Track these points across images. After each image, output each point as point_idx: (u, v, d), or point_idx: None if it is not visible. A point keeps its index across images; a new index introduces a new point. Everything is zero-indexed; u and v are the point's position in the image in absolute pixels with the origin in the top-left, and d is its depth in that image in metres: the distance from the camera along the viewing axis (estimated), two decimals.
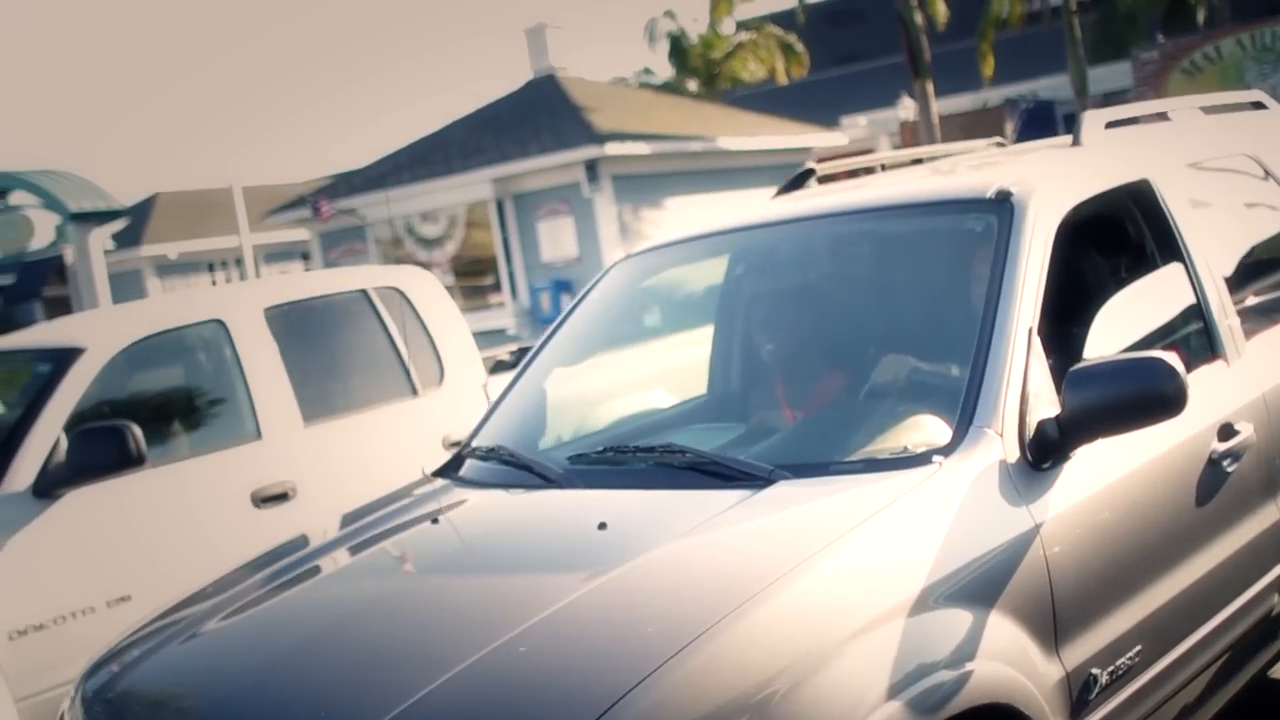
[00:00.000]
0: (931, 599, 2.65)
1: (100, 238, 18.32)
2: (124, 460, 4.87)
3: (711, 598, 2.49)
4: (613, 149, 19.62)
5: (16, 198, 17.99)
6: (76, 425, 4.98)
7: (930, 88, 21.89)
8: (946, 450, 2.95)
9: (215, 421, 5.66)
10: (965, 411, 3.02)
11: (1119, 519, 3.12)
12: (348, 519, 3.57)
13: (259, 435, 5.51)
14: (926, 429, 3.08)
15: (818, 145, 24.12)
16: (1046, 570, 2.88)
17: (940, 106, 22.96)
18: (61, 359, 5.23)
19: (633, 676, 2.27)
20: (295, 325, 5.86)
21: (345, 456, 5.67)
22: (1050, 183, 3.50)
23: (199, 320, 5.66)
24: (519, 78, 27.09)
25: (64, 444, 4.90)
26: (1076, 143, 3.96)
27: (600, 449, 3.48)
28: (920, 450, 2.98)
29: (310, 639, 2.81)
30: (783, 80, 34.21)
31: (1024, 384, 3.03)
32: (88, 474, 4.88)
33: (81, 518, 4.91)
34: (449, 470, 3.72)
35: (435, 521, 3.39)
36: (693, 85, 36.02)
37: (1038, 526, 2.89)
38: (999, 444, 2.95)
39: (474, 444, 3.83)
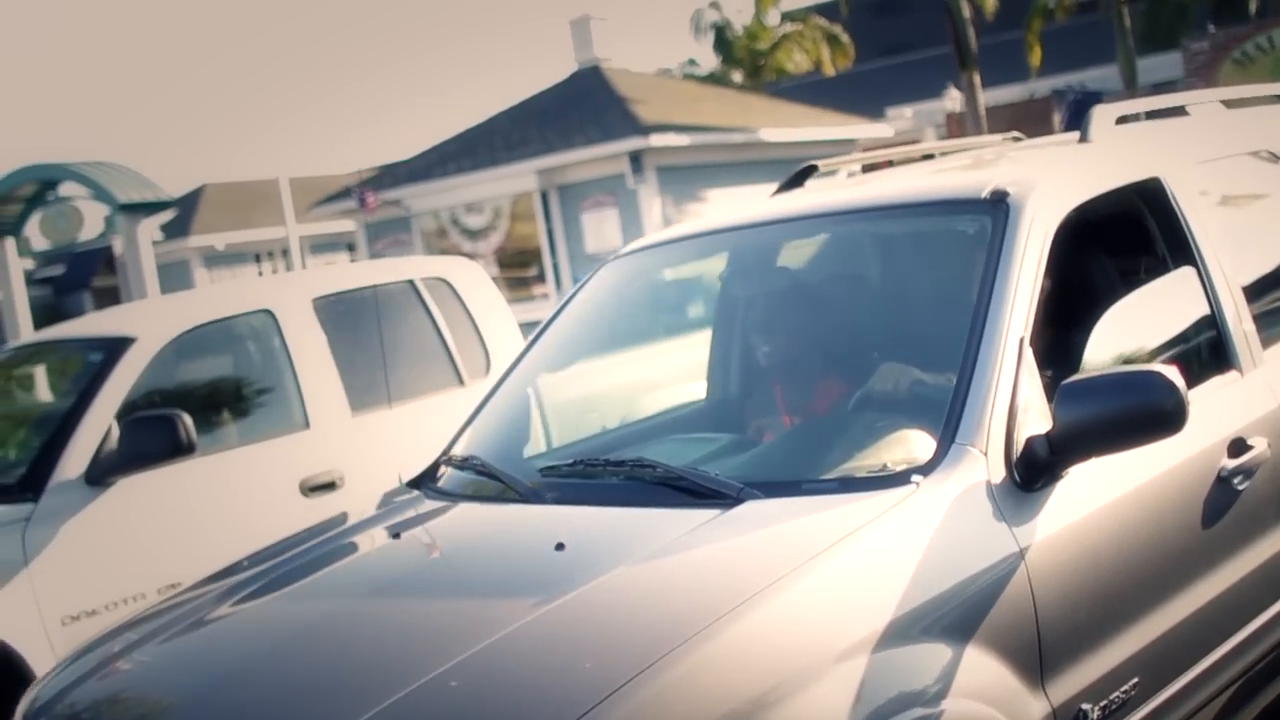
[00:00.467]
0: (903, 631, 2.50)
1: (148, 228, 18.48)
2: (175, 449, 4.91)
3: (660, 630, 2.35)
4: (657, 140, 19.60)
5: (66, 189, 18.17)
6: (128, 414, 5.03)
7: (977, 79, 21.75)
8: (926, 469, 2.78)
9: (264, 411, 5.71)
10: (948, 428, 2.85)
11: (1115, 541, 2.95)
12: (315, 531, 3.48)
13: (307, 424, 5.55)
14: (910, 445, 2.92)
15: (862, 137, 24.01)
16: (1032, 598, 2.72)
17: (987, 98, 22.82)
18: (113, 348, 5.28)
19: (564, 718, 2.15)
20: (343, 315, 5.89)
21: (393, 446, 5.70)
22: (1050, 182, 3.32)
23: (248, 310, 5.70)
24: (564, 69, 27.10)
25: (116, 432, 4.95)
26: (1085, 139, 3.77)
27: (571, 461, 3.35)
28: (900, 469, 2.82)
29: (236, 670, 2.71)
30: (828, 71, 34.06)
31: (1013, 398, 2.86)
32: (139, 462, 4.92)
33: (133, 505, 4.97)
34: (425, 479, 3.61)
35: (396, 536, 3.28)
36: (737, 77, 35.93)
37: (1023, 551, 2.72)
38: (982, 463, 2.78)
39: (452, 452, 3.70)
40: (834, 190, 4.16)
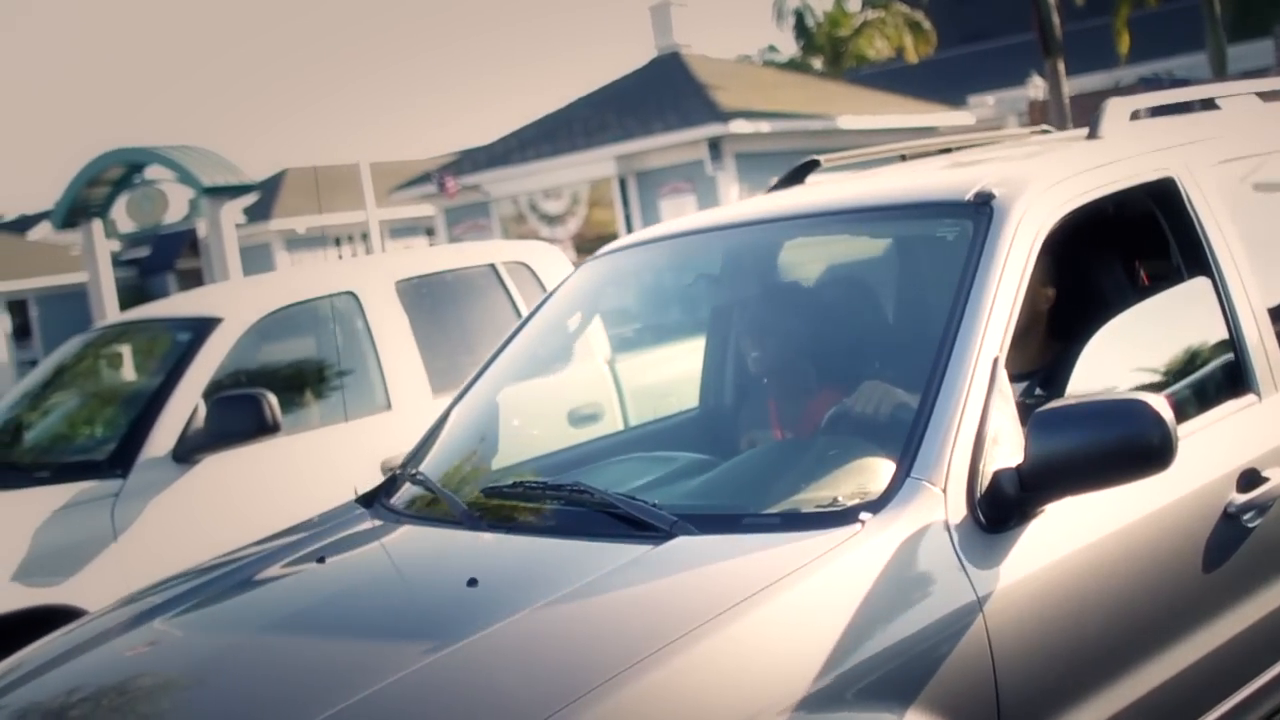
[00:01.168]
0: (835, 694, 2.24)
1: (232, 212, 18.72)
2: (260, 428, 4.97)
3: (552, 688, 2.16)
4: (736, 127, 19.54)
5: (152, 172, 18.45)
6: (214, 393, 5.10)
7: (1061, 66, 21.41)
8: (876, 506, 2.50)
9: (346, 391, 5.76)
10: (904, 459, 2.56)
11: (1096, 589, 2.65)
12: (242, 551, 3.39)
13: (389, 406, 5.59)
14: (868, 477, 2.64)
15: (943, 124, 23.77)
16: (990, 655, 2.43)
17: (1071, 86, 22.47)
18: (200, 328, 5.36)
19: None
20: (425, 298, 5.93)
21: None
22: (1044, 183, 3.00)
23: (332, 292, 5.76)
24: (643, 55, 27.08)
25: (202, 411, 5.03)
26: (1094, 135, 3.44)
27: (511, 483, 3.09)
28: (850, 504, 2.54)
29: (90, 712, 2.57)
30: (910, 58, 33.75)
31: (980, 427, 2.57)
32: (225, 440, 5.00)
33: (218, 483, 5.03)
34: (378, 494, 3.42)
35: (320, 561, 3.07)
36: (817, 64, 35.71)
37: (981, 601, 2.43)
38: (940, 500, 2.49)
39: (408, 466, 3.47)
40: (811, 191, 3.84)
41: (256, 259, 29.31)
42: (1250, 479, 2.98)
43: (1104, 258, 3.50)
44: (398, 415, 5.59)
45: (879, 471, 2.62)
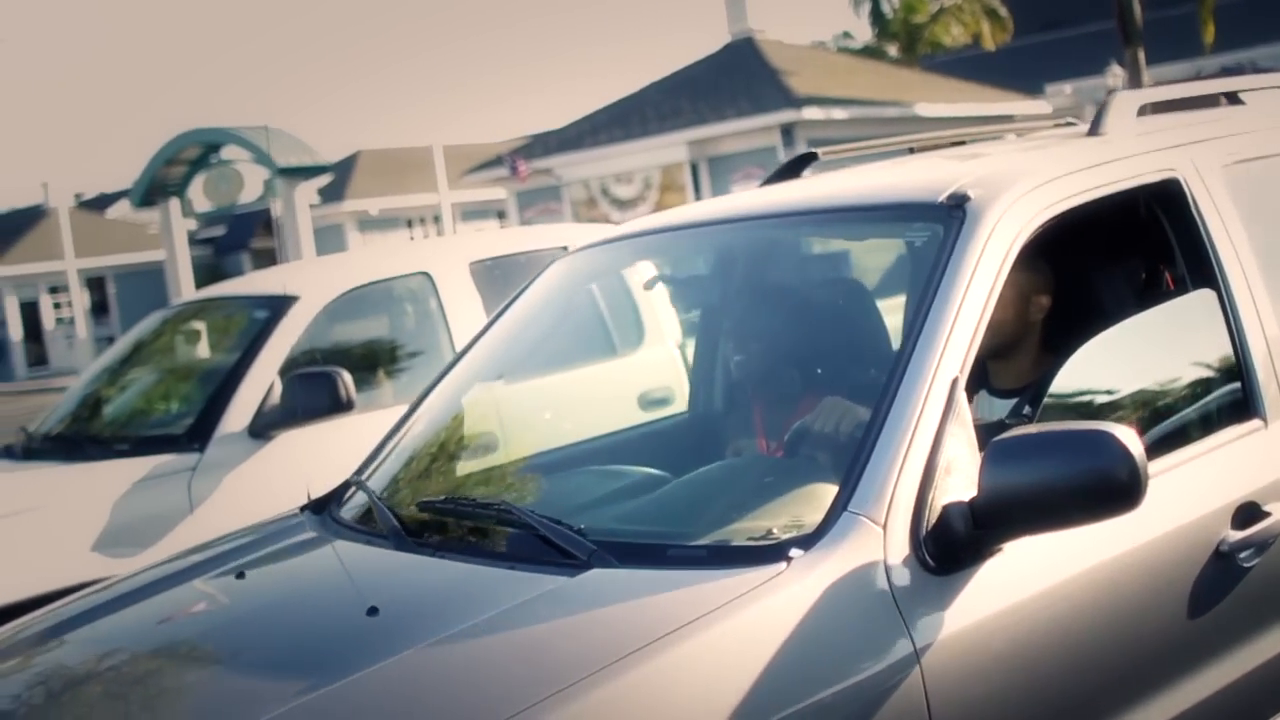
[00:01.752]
0: None
1: (306, 192, 18.91)
2: (334, 405, 5.01)
3: None
4: (810, 113, 19.44)
5: (229, 152, 18.66)
6: (290, 370, 5.15)
7: (1141, 55, 21.07)
8: (808, 541, 2.25)
9: (419, 371, 5.79)
10: (844, 490, 2.32)
11: (1056, 638, 2.38)
12: (174, 559, 3.28)
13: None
14: (806, 507, 2.41)
15: (1020, 113, 23.49)
16: (927, 715, 2.18)
17: (1151, 75, 22.11)
18: (277, 306, 5.41)
19: None
20: (499, 280, 5.94)
21: (543, 412, 5.74)
22: (1029, 183, 2.73)
23: (407, 272, 5.80)
24: (717, 40, 26.97)
25: (279, 388, 5.08)
26: (1095, 132, 3.13)
27: (443, 499, 2.94)
28: (782, 538, 2.30)
29: None
30: (987, 45, 33.38)
31: (932, 455, 2.32)
32: (300, 417, 5.05)
33: (293, 459, 5.08)
34: (330, 500, 3.23)
35: (240, 576, 2.90)
36: (893, 50, 35.42)
37: (919, 652, 2.18)
38: (878, 538, 2.24)
39: (364, 471, 3.28)
40: (788, 188, 3.57)
41: (329, 239, 29.59)
42: (1249, 514, 2.69)
43: (1105, 265, 3.26)
44: (469, 396, 5.62)
45: (818, 502, 2.37)
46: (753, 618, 2.15)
